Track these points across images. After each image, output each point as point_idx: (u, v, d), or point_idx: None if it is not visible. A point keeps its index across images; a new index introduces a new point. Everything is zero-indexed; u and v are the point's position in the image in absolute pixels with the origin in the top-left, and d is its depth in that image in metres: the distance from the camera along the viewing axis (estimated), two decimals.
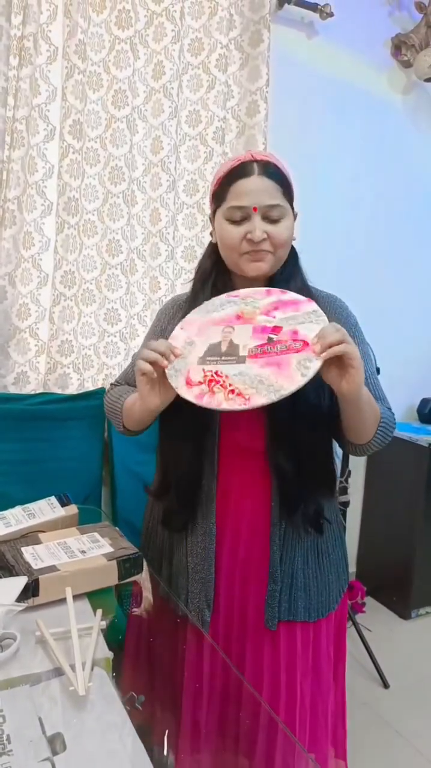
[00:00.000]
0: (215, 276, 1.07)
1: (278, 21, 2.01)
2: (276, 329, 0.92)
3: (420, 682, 2.02)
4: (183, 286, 1.89)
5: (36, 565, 0.95)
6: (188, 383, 0.92)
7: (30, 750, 0.63)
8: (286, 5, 1.99)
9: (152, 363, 0.92)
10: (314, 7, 2.02)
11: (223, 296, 0.99)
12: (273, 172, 0.98)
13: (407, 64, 2.31)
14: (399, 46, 2.28)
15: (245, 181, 0.97)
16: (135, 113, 1.76)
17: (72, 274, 1.73)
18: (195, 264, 1.89)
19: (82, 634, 0.85)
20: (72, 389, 1.78)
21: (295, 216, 1.05)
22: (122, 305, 1.82)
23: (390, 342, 2.40)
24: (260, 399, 0.86)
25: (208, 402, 0.89)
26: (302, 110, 2.14)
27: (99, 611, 0.91)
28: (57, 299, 1.72)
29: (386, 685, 1.97)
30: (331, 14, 2.04)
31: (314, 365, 0.85)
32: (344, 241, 2.33)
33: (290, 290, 0.99)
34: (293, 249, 1.07)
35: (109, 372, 1.85)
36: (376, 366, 1.21)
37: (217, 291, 1.04)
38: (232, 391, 0.88)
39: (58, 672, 0.78)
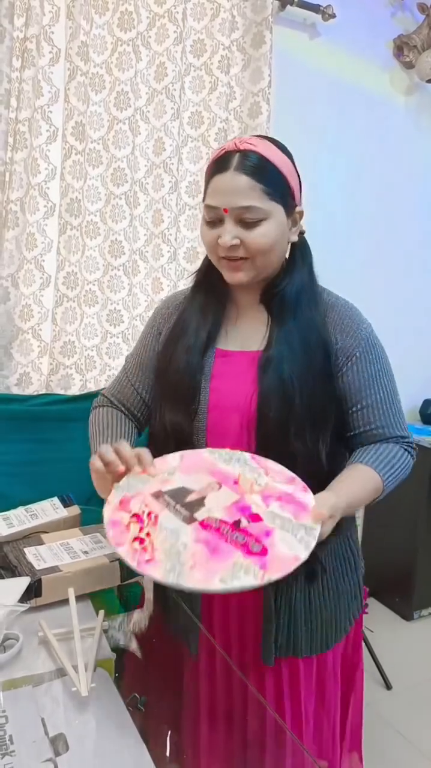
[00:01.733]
0: (211, 275, 1.00)
1: (281, 22, 2.01)
2: (255, 518, 0.76)
3: (423, 683, 2.01)
4: (186, 286, 1.89)
5: (39, 565, 0.95)
6: (122, 504, 0.81)
7: (32, 751, 0.63)
8: (288, 7, 1.99)
9: (107, 464, 0.84)
10: (316, 9, 2.02)
11: (247, 455, 0.86)
12: (254, 166, 0.85)
13: (409, 65, 2.31)
14: (402, 47, 2.28)
15: (220, 177, 0.87)
16: (137, 115, 1.77)
17: (74, 275, 1.73)
18: (197, 264, 1.91)
19: (84, 635, 0.85)
20: (74, 390, 1.78)
21: (299, 214, 0.94)
22: (124, 306, 1.82)
23: (392, 342, 2.38)
24: (156, 572, 0.70)
25: (114, 534, 0.77)
26: (305, 111, 2.14)
27: (101, 612, 0.91)
28: (60, 300, 1.73)
29: (388, 686, 1.97)
30: (333, 15, 2.04)
31: (245, 582, 0.68)
32: (345, 241, 2.33)
33: (298, 295, 0.92)
34: (304, 247, 0.97)
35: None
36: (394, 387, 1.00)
37: (212, 289, 0.99)
38: (142, 540, 0.75)
39: (60, 673, 0.78)
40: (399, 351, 2.43)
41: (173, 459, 0.86)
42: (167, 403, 0.96)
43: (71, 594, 0.92)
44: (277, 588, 0.94)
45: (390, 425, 0.96)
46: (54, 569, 0.94)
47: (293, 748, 0.84)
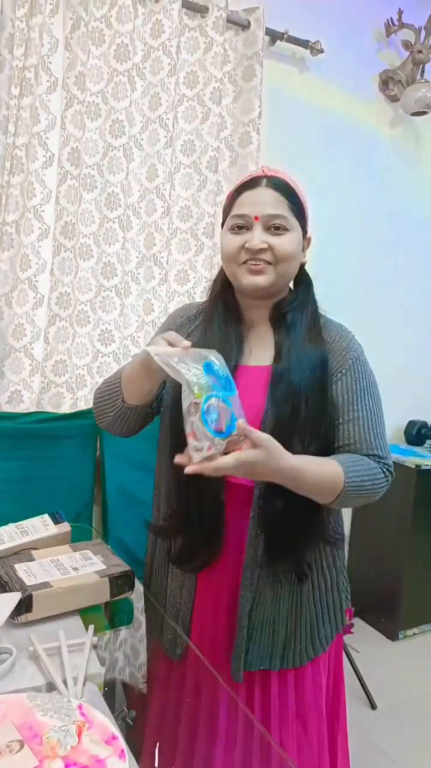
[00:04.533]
0: (223, 294, 1.06)
1: (271, 56, 2.09)
2: None
3: (408, 703, 2.02)
4: (173, 308, 1.93)
5: (29, 581, 0.97)
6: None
7: None
8: (278, 41, 2.07)
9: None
10: (305, 44, 2.10)
11: (75, 704, 0.73)
12: (281, 186, 0.98)
13: (394, 99, 2.40)
14: (387, 82, 2.37)
15: (250, 192, 0.98)
16: (131, 142, 1.82)
17: (67, 295, 1.77)
18: (188, 287, 1.97)
19: (74, 650, 0.86)
20: (65, 408, 1.81)
21: (308, 240, 1.05)
22: (115, 326, 1.85)
23: (377, 364, 2.44)
24: None
25: None
26: (293, 141, 2.21)
27: (91, 627, 0.93)
28: (52, 320, 1.76)
29: (373, 706, 1.98)
30: (321, 50, 2.13)
31: None
32: (333, 267, 2.38)
33: (303, 316, 1.02)
34: (306, 275, 1.08)
35: None
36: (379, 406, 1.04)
37: (226, 307, 1.05)
38: None
39: (50, 687, 0.80)
40: (384, 373, 2.50)
41: None
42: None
43: (62, 609, 0.94)
44: (252, 605, 0.98)
45: (370, 444, 0.98)
46: (45, 585, 0.96)
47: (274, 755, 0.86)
